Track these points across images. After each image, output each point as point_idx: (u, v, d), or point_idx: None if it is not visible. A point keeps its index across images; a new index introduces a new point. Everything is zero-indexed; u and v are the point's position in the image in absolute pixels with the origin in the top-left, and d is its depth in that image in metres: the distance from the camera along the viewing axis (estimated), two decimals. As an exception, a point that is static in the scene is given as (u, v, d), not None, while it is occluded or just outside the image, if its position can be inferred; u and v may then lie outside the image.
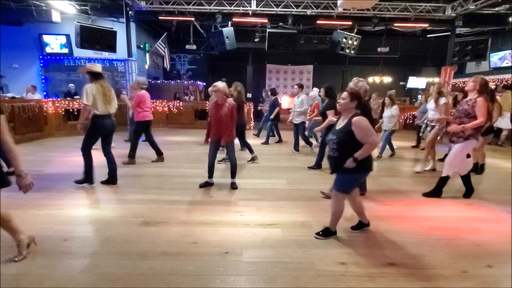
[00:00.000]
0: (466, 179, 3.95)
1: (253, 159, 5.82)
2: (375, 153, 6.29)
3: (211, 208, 3.47)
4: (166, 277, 2.16)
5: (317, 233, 2.79)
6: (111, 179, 4.18)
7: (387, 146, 6.41)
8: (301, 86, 6.85)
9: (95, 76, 3.93)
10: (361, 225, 2.95)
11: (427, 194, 3.96)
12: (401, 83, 15.30)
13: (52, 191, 3.91)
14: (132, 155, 5.45)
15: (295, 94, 7.03)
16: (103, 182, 4.17)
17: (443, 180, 3.88)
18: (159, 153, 5.67)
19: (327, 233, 2.78)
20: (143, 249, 2.53)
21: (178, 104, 11.16)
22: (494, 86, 11.32)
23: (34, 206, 3.38)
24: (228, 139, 4.00)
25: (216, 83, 4.00)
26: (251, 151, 5.88)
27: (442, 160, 5.43)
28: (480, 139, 5.35)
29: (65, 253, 2.45)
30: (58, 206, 3.41)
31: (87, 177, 4.08)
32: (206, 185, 4.22)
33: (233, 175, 4.22)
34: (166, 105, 11.18)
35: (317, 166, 5.26)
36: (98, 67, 4.00)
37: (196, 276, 2.17)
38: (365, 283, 2.14)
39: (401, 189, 4.35)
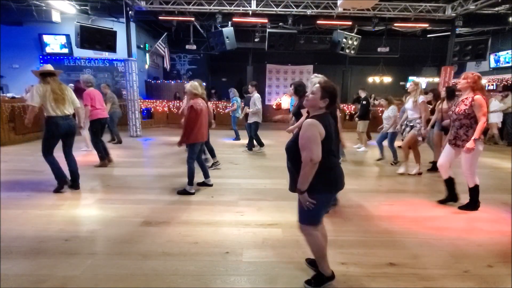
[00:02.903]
0: (450, 183, 3.69)
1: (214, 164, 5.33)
2: (389, 158, 5.91)
3: (211, 208, 3.47)
4: (167, 277, 2.16)
5: (307, 282, 2.08)
6: (72, 183, 4.00)
7: (383, 149, 6.27)
8: (254, 85, 6.74)
9: (44, 76, 3.78)
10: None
11: (463, 207, 3.54)
12: (401, 83, 15.28)
13: (52, 191, 3.91)
14: (102, 156, 5.23)
15: (286, 95, 6.93)
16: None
17: (476, 190, 3.50)
18: (102, 157, 5.27)
19: (321, 279, 2.08)
20: (144, 249, 2.53)
21: (178, 104, 11.16)
22: (494, 86, 11.34)
23: (35, 206, 3.38)
24: (180, 141, 3.85)
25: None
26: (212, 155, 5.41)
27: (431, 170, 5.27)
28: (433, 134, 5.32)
29: (66, 253, 2.45)
30: (59, 206, 3.42)
31: (61, 181, 3.91)
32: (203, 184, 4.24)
33: (188, 181, 3.93)
34: (166, 105, 11.20)
35: None
36: (48, 67, 3.87)
37: (197, 276, 2.18)
38: (366, 283, 2.14)
39: (401, 189, 4.35)
